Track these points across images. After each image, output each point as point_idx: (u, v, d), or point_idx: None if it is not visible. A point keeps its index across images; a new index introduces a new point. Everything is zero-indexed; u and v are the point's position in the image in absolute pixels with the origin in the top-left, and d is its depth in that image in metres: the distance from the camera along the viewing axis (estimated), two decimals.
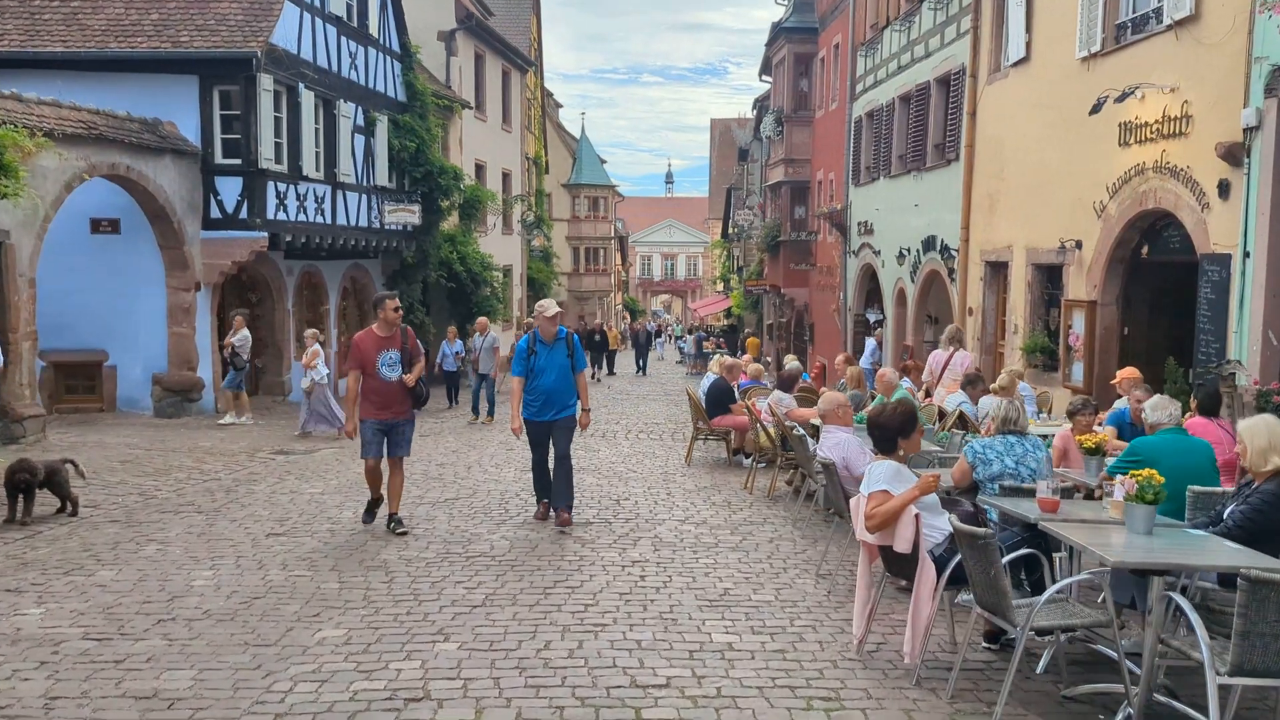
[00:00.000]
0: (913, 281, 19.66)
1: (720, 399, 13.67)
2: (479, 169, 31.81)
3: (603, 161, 62.78)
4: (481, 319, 20.14)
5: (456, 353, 20.92)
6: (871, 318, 23.15)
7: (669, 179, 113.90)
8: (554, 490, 9.31)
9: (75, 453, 12.93)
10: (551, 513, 9.34)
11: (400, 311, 8.95)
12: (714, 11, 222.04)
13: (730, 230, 55.05)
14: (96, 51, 16.72)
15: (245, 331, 16.94)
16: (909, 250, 19.70)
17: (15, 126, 12.14)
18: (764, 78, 36.92)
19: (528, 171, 39.88)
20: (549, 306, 9.21)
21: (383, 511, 9.10)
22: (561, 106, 63.97)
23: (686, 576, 7.52)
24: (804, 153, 27.66)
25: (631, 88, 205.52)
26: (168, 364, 17.53)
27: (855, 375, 13.03)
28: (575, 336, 9.39)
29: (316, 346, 16.30)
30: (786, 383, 12.69)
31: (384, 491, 9.07)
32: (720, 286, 65.07)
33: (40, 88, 14.78)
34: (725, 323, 54.62)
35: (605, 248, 60.73)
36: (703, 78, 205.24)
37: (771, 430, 11.68)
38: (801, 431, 10.24)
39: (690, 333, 39.30)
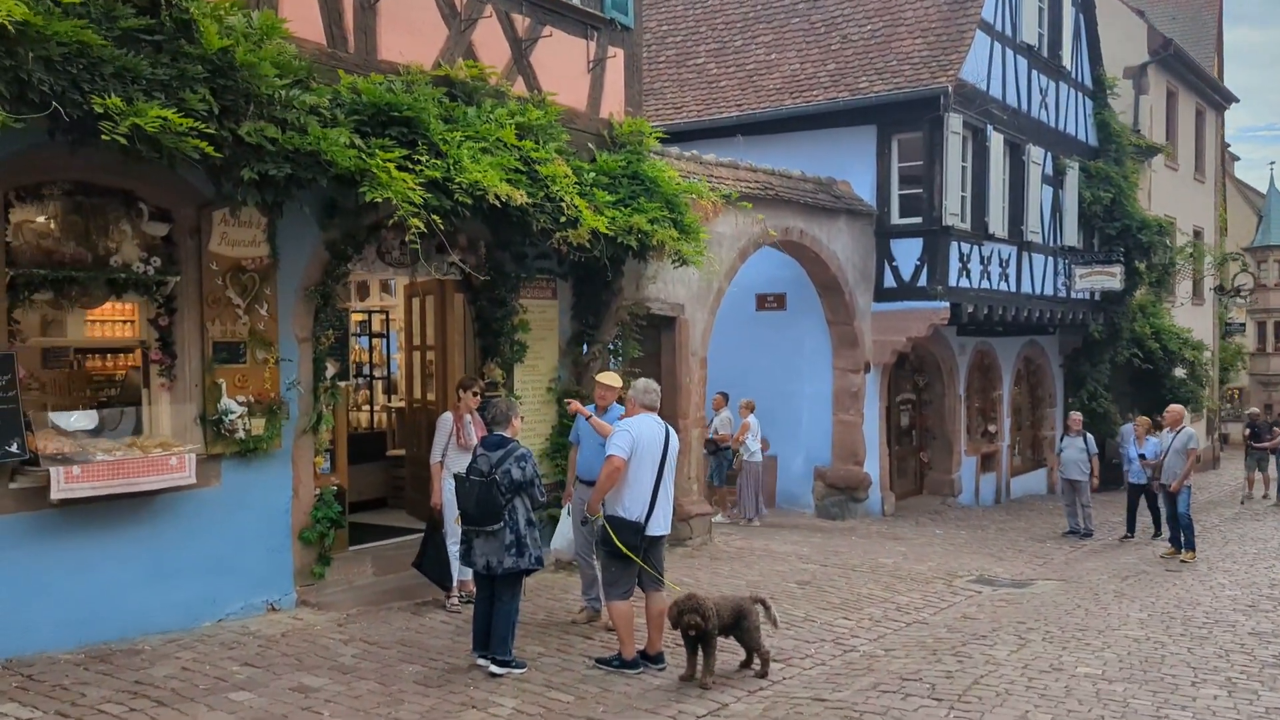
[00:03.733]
0: None
1: None
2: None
3: None
4: (1175, 407, 13.82)
5: (1141, 456, 14.35)
6: None
7: None
8: None
9: (744, 562, 10.85)
10: None
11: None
12: None
13: None
14: (771, 111, 15.34)
15: (726, 412, 14.27)
16: None
17: (702, 181, 10.57)
18: None
19: (1220, 230, 32.87)
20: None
21: None
22: (1238, 159, 54.25)
23: None
24: None
25: None
26: (831, 456, 15.30)
27: None
28: None
29: (750, 419, 13.70)
30: None
31: None
32: None
33: (718, 153, 13.55)
34: None
35: None
36: None
37: None
38: None
39: None
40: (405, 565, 8.18)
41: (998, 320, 16.71)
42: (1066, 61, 18.29)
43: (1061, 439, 14.98)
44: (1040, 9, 17.35)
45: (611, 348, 10.56)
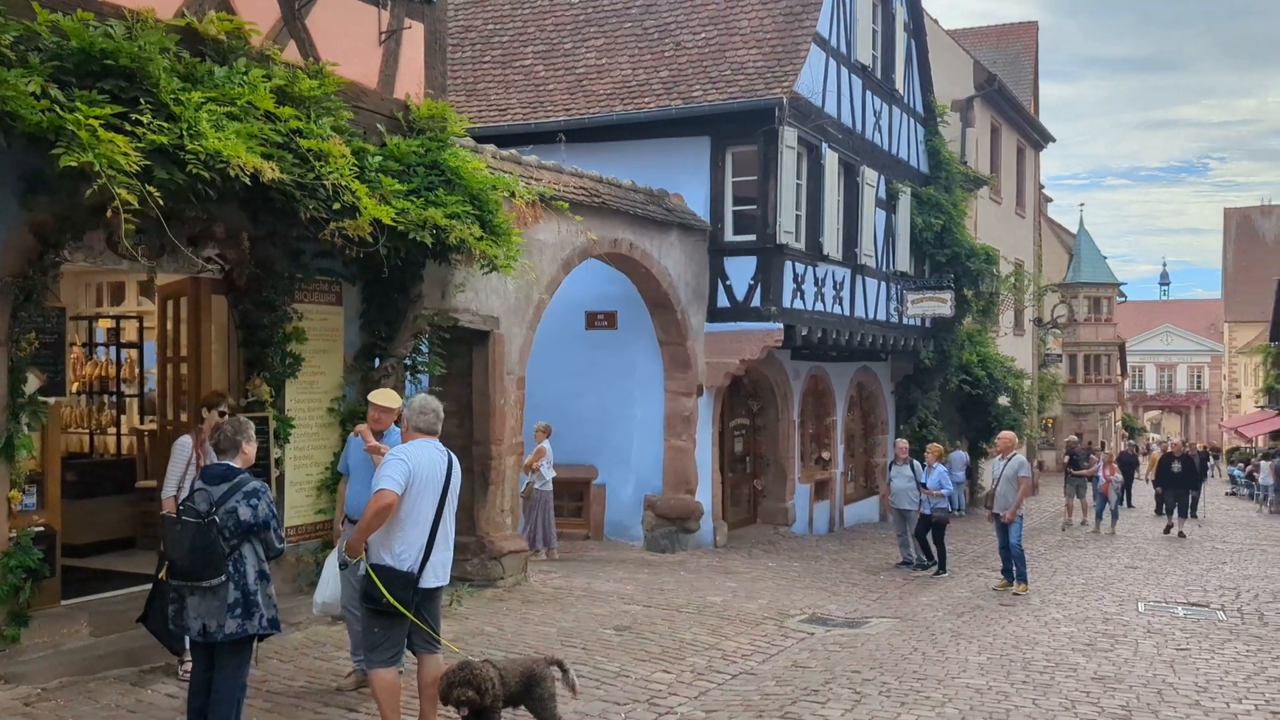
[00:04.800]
0: None
1: None
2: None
3: (1103, 257, 54.62)
4: (1007, 434, 13.37)
5: (922, 484, 13.42)
6: None
7: (1164, 280, 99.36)
8: None
9: (560, 605, 9.71)
10: None
11: None
12: (1189, 105, 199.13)
13: None
14: (601, 117, 14.38)
15: (546, 444, 12.97)
16: None
17: (514, 179, 9.46)
18: None
19: (1038, 264, 34.07)
20: None
21: None
22: (1051, 200, 57.16)
23: None
24: None
25: (1094, 192, 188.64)
26: (663, 484, 14.35)
27: None
28: None
29: (545, 444, 12.74)
30: None
31: None
32: (1262, 400, 53.10)
33: (544, 160, 12.49)
34: (1271, 445, 43.59)
35: (1108, 355, 52.17)
36: (1179, 176, 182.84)
37: None
38: None
39: (1268, 458, 30.39)
40: (133, 622, 6.67)
41: (832, 344, 16.23)
42: (899, 86, 18.15)
43: (890, 467, 14.43)
44: (874, 30, 17.13)
45: (410, 363, 9.30)
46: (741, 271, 14.30)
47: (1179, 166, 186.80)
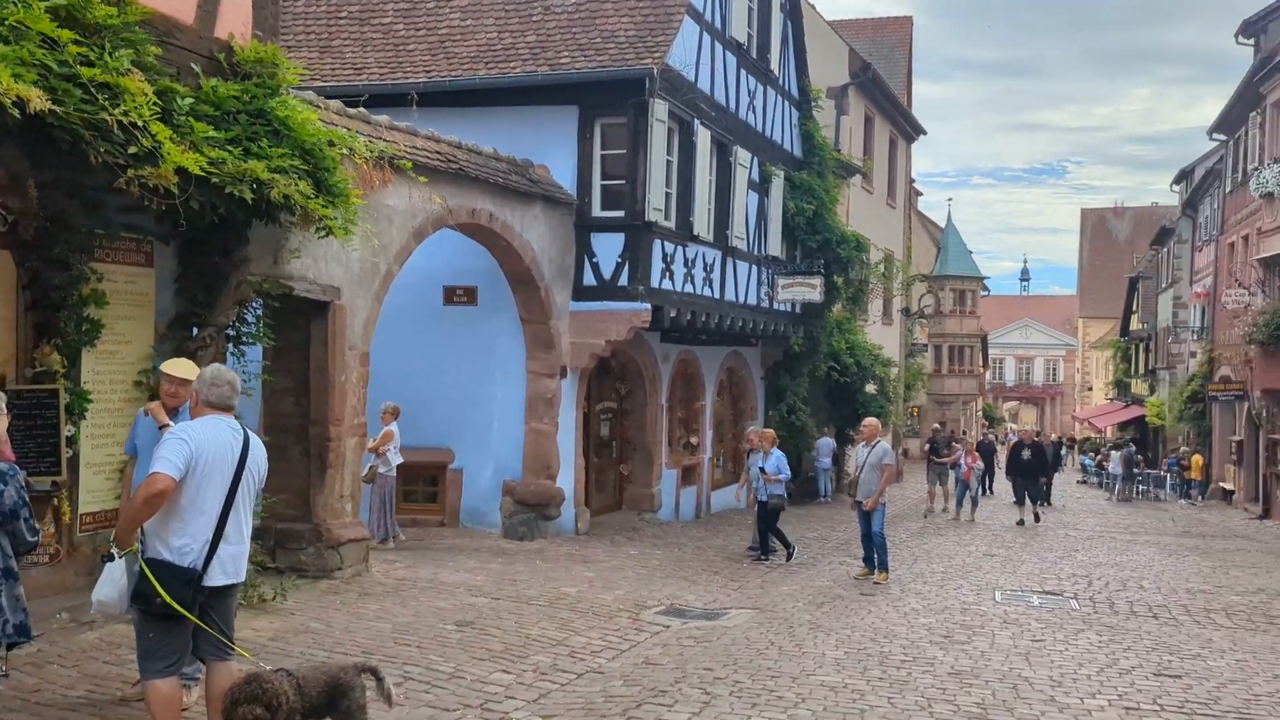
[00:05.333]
0: None
1: None
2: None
3: (969, 252, 56.28)
4: (871, 421, 13.07)
5: (762, 469, 12.97)
6: None
7: (1025, 276, 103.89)
8: None
9: (400, 598, 9.03)
10: None
11: None
12: (1050, 111, 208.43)
13: (1136, 327, 46.49)
14: (464, 80, 13.61)
15: (393, 427, 12.27)
16: None
17: (352, 135, 8.67)
18: (1215, 136, 29.85)
19: (907, 255, 34.63)
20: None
21: None
22: (921, 194, 58.55)
23: None
24: None
25: (961, 190, 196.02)
26: (523, 469, 13.74)
27: None
28: None
29: (392, 427, 12.07)
30: None
31: None
32: (1111, 393, 55.69)
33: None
34: (1119, 436, 45.71)
35: (971, 346, 53.89)
36: (1040, 178, 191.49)
37: None
38: None
39: (1117, 448, 31.61)
40: None
41: (701, 327, 15.88)
42: (774, 67, 17.89)
43: (749, 455, 14.06)
44: (750, 8, 16.79)
45: (234, 334, 8.44)
46: (609, 249, 13.77)
47: (1040, 168, 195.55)
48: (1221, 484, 29.53)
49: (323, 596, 9.00)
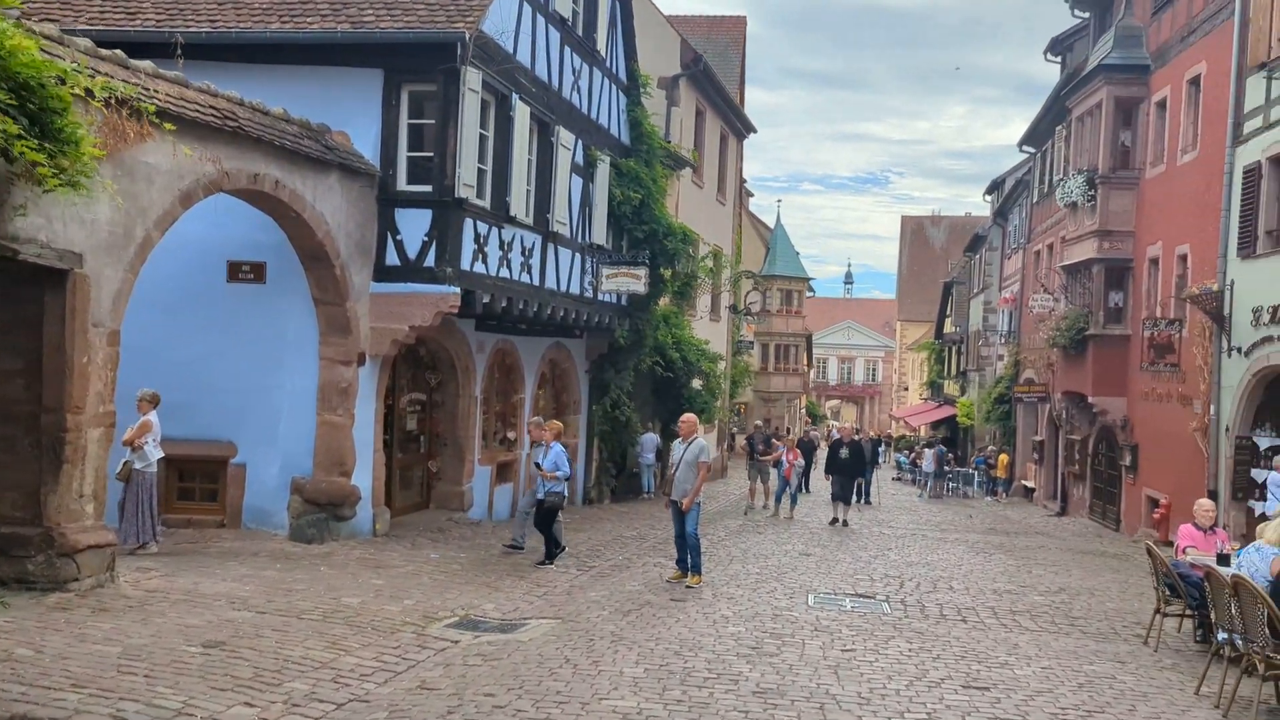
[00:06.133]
0: None
1: None
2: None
3: (797, 253, 57.48)
4: (689, 417, 12.32)
5: (538, 465, 12.34)
6: (1264, 442, 16.50)
7: (848, 279, 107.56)
8: None
9: (144, 613, 7.83)
10: None
11: None
12: (875, 123, 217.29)
13: (949, 330, 48.41)
14: (253, 34, 12.27)
15: (152, 417, 10.87)
16: None
17: (87, 74, 7.38)
18: (1024, 148, 31.05)
19: (736, 253, 34.68)
20: None
21: None
22: (753, 195, 59.39)
23: None
24: (1124, 223, 21.31)
25: (790, 195, 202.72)
26: (314, 465, 12.51)
27: None
28: None
29: (150, 416, 10.71)
30: None
31: None
32: (926, 393, 57.90)
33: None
34: (932, 434, 47.54)
35: (797, 345, 55.14)
36: (864, 187, 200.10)
37: None
38: None
39: (929, 446, 32.54)
40: None
41: (519, 315, 15.00)
42: (601, 47, 17.18)
43: (532, 449, 13.20)
44: None
45: None
46: (415, 226, 12.71)
47: (864, 177, 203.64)
48: (1024, 481, 30.87)
49: (47, 614, 7.68)
